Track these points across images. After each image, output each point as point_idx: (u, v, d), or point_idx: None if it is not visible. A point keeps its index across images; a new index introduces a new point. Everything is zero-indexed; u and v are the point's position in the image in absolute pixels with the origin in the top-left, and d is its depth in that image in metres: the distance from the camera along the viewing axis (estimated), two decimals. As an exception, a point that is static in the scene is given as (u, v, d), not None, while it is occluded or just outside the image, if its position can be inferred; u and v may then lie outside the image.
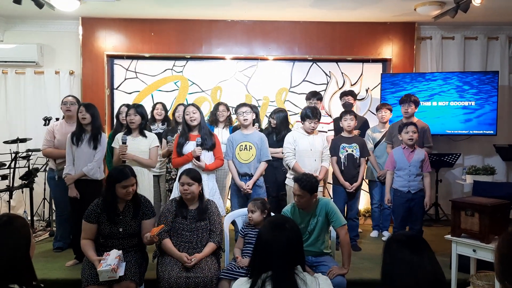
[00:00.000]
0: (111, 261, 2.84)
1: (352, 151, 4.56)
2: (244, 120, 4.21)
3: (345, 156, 4.54)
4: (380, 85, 5.90)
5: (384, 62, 6.15)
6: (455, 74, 5.74)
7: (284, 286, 1.78)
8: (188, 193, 3.24)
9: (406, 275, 1.61)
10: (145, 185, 4.03)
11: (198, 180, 3.28)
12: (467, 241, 3.37)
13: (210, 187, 3.98)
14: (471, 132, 5.70)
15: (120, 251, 2.95)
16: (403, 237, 1.72)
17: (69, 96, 4.53)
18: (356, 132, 4.84)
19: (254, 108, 4.63)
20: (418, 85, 5.73)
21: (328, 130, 4.91)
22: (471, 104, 5.66)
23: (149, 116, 5.24)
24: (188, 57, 6.05)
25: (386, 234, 5.07)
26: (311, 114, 4.22)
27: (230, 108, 5.08)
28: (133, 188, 3.11)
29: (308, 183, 3.17)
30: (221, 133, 4.82)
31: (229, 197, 5.55)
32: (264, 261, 1.83)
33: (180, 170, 3.93)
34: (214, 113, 4.91)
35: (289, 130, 4.70)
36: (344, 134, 4.65)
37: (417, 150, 4.24)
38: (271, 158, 4.29)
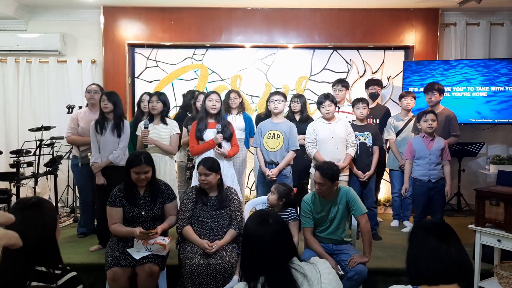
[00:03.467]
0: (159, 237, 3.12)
1: (365, 139, 4.50)
2: (275, 108, 4.21)
3: (357, 145, 4.48)
4: (402, 73, 5.80)
5: (407, 49, 6.03)
6: (480, 61, 5.60)
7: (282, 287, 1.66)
8: (205, 183, 3.27)
9: (433, 263, 1.58)
10: (167, 172, 4.08)
11: (216, 169, 3.29)
12: (492, 231, 3.31)
13: (230, 174, 4.01)
14: (495, 120, 5.57)
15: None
16: (430, 225, 1.69)
17: (93, 84, 4.57)
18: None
19: (285, 98, 4.59)
20: (441, 73, 5.61)
21: (352, 120, 4.85)
22: (496, 92, 5.52)
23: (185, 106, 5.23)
24: (208, 45, 6.04)
25: (407, 224, 5.02)
26: (323, 98, 4.22)
27: (246, 96, 5.07)
28: (146, 176, 3.17)
29: (329, 171, 3.15)
30: (235, 120, 4.83)
31: (248, 185, 5.61)
32: (256, 262, 1.71)
33: (199, 158, 3.96)
34: (226, 101, 4.91)
35: (310, 117, 4.74)
36: (356, 122, 4.59)
37: (437, 139, 4.15)
38: (299, 148, 4.26)
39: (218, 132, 3.92)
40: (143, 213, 3.18)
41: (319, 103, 4.26)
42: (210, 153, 3.93)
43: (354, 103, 4.58)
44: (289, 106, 4.89)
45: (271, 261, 1.68)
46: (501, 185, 3.92)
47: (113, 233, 3.18)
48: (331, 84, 5.16)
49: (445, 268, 1.58)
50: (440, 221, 1.80)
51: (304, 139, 4.42)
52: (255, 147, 4.33)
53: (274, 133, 4.20)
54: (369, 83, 5.29)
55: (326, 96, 4.24)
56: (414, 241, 1.69)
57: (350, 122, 4.77)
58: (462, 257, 1.61)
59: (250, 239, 1.76)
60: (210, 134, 3.97)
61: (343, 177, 4.14)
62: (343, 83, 5.01)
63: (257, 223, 1.76)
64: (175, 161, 4.77)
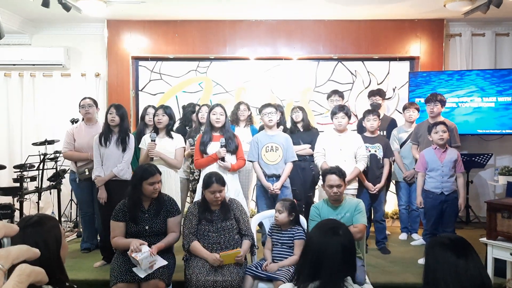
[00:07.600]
0: (145, 249, 2.93)
1: (375, 151, 4.45)
2: (269, 121, 4.15)
3: (368, 157, 4.43)
4: (408, 84, 5.76)
5: (412, 60, 6.00)
6: (486, 72, 5.55)
7: None
8: (219, 200, 3.21)
9: (451, 280, 1.54)
10: (172, 186, 4.03)
11: (225, 183, 3.26)
12: (504, 244, 3.26)
13: (234, 188, 3.95)
14: (504, 131, 5.50)
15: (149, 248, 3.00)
16: (447, 240, 1.65)
17: (85, 98, 4.46)
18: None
19: (279, 108, 4.58)
20: (447, 84, 5.56)
21: (351, 131, 4.81)
22: (503, 102, 5.45)
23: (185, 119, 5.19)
24: (212, 57, 6.03)
25: (416, 237, 4.94)
26: (336, 110, 4.19)
27: (251, 108, 5.06)
28: (159, 185, 3.15)
29: (343, 172, 3.33)
30: (243, 132, 4.80)
31: (253, 198, 5.54)
32: (313, 269, 1.70)
33: (204, 172, 3.91)
34: (235, 113, 4.89)
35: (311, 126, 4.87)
36: (366, 134, 4.54)
37: (449, 150, 4.08)
38: (297, 159, 4.24)
39: (221, 146, 3.87)
40: (147, 227, 3.13)
41: (333, 114, 4.22)
42: (213, 167, 3.88)
43: (365, 115, 4.55)
44: (291, 117, 4.86)
45: (329, 272, 1.68)
46: (511, 197, 3.86)
47: (114, 247, 3.14)
48: (326, 96, 5.13)
49: (463, 285, 1.53)
50: (457, 236, 1.75)
51: (308, 149, 4.44)
52: (252, 161, 4.23)
53: (272, 146, 4.15)
54: (370, 94, 5.28)
55: (341, 108, 4.20)
56: (431, 257, 1.65)
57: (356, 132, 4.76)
58: (481, 273, 1.56)
59: (316, 244, 1.77)
60: (214, 147, 3.92)
61: (351, 191, 4.07)
62: (338, 93, 4.99)
63: (326, 231, 1.78)
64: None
